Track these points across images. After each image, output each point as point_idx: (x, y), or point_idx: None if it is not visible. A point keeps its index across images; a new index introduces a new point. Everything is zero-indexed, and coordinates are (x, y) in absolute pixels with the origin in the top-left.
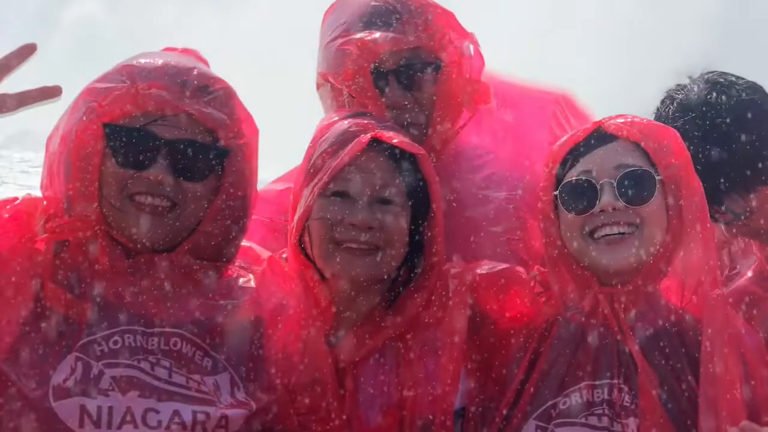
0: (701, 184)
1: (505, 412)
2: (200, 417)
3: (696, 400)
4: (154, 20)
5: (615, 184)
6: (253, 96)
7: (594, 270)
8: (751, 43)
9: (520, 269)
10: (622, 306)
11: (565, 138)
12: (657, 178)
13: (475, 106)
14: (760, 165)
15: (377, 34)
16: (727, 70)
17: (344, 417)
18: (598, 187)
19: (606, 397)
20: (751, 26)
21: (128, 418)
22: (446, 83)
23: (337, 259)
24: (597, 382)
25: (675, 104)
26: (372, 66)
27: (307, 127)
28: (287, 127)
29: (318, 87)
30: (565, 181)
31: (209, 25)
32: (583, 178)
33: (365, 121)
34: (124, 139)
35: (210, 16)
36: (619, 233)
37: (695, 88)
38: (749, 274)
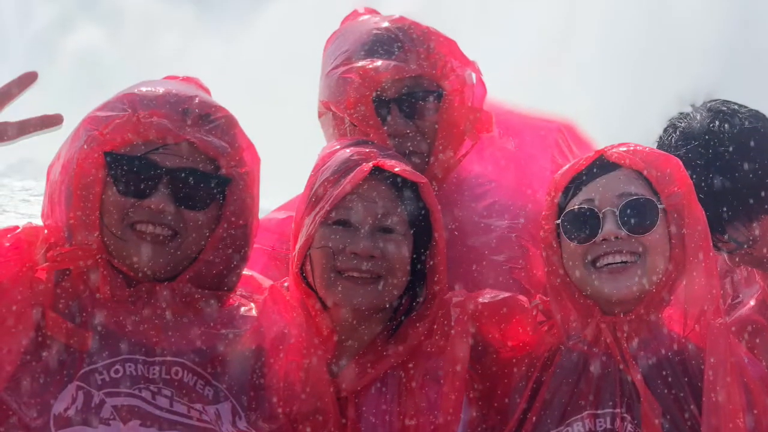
0: (704, 212)
1: None
2: None
3: (699, 430)
4: (155, 48)
5: (617, 213)
6: (254, 124)
7: (596, 299)
8: (754, 71)
9: (523, 298)
10: (625, 335)
11: (567, 166)
12: (660, 206)
13: (477, 135)
14: (763, 193)
15: (379, 63)
16: (731, 98)
17: None
18: (601, 215)
19: (608, 426)
20: (755, 54)
21: None
22: (448, 111)
23: (339, 288)
24: (599, 412)
25: (678, 132)
26: (374, 94)
27: (309, 155)
28: (289, 155)
29: (320, 115)
30: (567, 209)
31: (211, 53)
32: (586, 207)
33: (367, 150)
34: (125, 167)
35: (212, 44)
36: (622, 262)
37: (698, 117)
38: (752, 303)
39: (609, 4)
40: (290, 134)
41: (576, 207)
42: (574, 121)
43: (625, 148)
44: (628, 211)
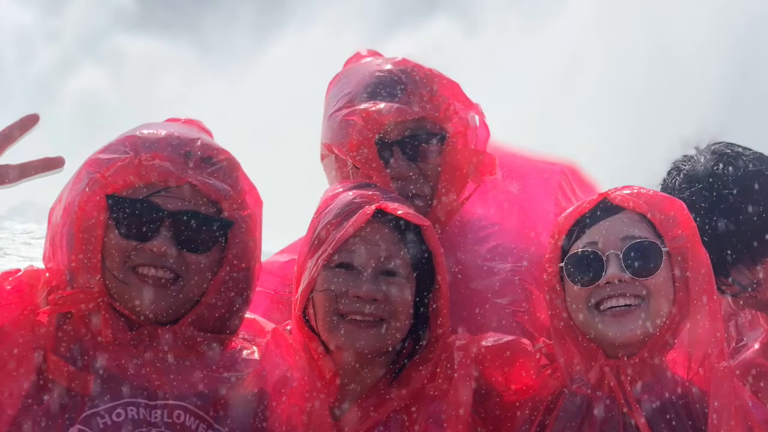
0: (708, 255)
1: None
2: None
3: None
4: (156, 90)
5: (621, 256)
6: (256, 167)
7: (600, 342)
8: (758, 113)
9: (526, 341)
10: (629, 378)
11: (570, 209)
12: (663, 249)
13: (480, 177)
14: (767, 236)
15: (382, 105)
16: (735, 140)
17: None
18: (604, 258)
19: None
20: (759, 96)
21: None
22: (451, 154)
23: (342, 331)
24: None
25: (681, 175)
26: (377, 137)
27: (311, 198)
28: (291, 198)
29: (322, 158)
30: (570, 252)
31: (212, 95)
32: (589, 250)
33: (370, 192)
34: (127, 210)
35: (213, 86)
36: (626, 305)
37: (702, 159)
38: (756, 346)
39: (612, 47)
40: (292, 177)
41: (579, 250)
42: (577, 164)
43: (628, 191)
44: (632, 254)
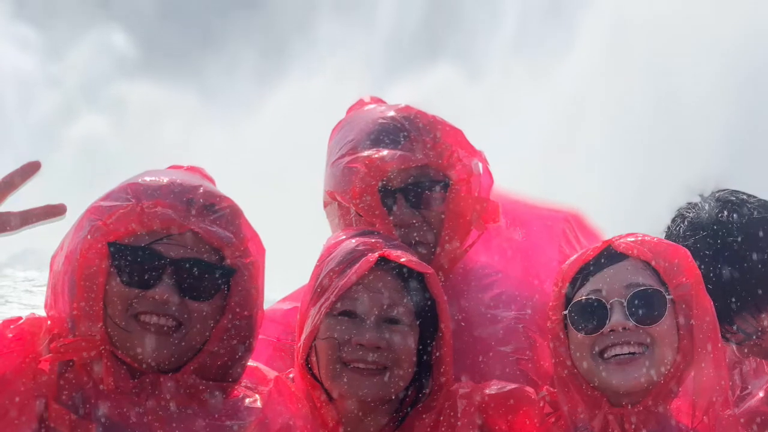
0: (712, 303)
1: None
2: None
3: None
4: (159, 137)
5: (625, 304)
6: (259, 214)
7: (604, 390)
8: (763, 160)
9: (530, 389)
10: (633, 427)
11: (574, 257)
12: (668, 297)
13: (483, 225)
14: None
15: (385, 152)
16: (739, 187)
17: None
18: (608, 306)
19: None
20: (764, 144)
21: None
22: (455, 201)
23: (345, 380)
24: None
25: (686, 223)
26: (380, 184)
27: (314, 245)
28: (294, 245)
29: (325, 205)
30: (574, 300)
31: (215, 141)
32: (593, 298)
33: (373, 240)
34: (129, 258)
35: (216, 132)
36: (630, 353)
37: (706, 207)
38: (761, 394)
39: (616, 94)
40: (295, 224)
41: (583, 298)
42: (581, 211)
43: (632, 239)
44: (636, 301)
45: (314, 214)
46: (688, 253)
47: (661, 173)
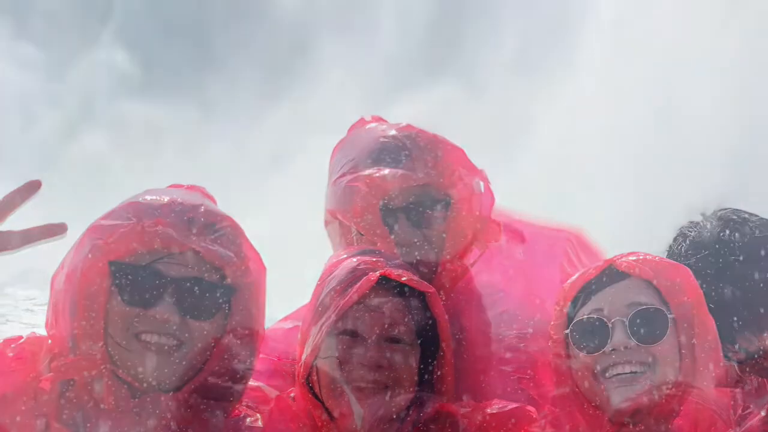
0: (714, 322)
1: None
2: None
3: None
4: (159, 155)
5: (627, 323)
6: (260, 233)
7: (606, 409)
8: (765, 179)
9: (531, 409)
10: None
11: (576, 276)
12: (669, 316)
13: (485, 244)
14: None
15: (386, 171)
16: (741, 206)
17: None
18: (610, 325)
19: None
20: (766, 162)
21: None
22: (456, 221)
23: (346, 399)
24: None
25: (688, 241)
26: (381, 203)
27: (315, 264)
28: (295, 264)
29: (326, 224)
30: (576, 319)
31: (215, 158)
32: (595, 317)
33: (374, 259)
34: (130, 277)
35: (216, 149)
36: (631, 372)
37: (708, 226)
38: (762, 413)
39: (619, 113)
40: (296, 243)
41: (585, 317)
42: (582, 230)
43: (634, 258)
44: (638, 320)
45: (315, 233)
46: (690, 272)
47: (663, 192)
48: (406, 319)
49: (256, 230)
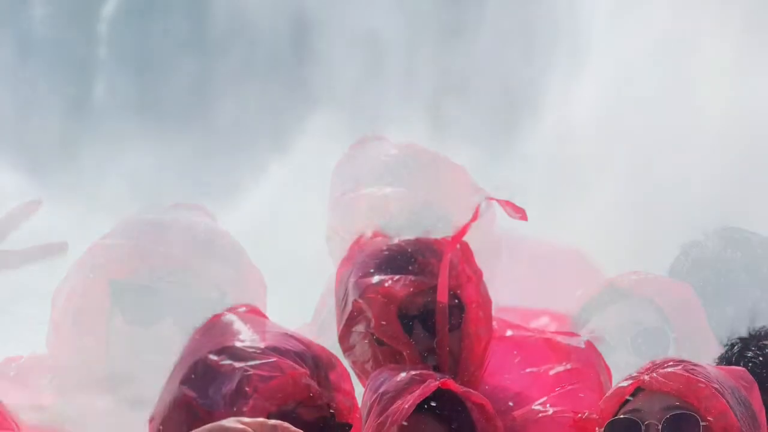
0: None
1: None
2: None
3: None
4: (161, 173)
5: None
6: (260, 250)
7: None
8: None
9: None
10: None
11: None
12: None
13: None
14: None
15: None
16: (743, 225)
17: None
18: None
19: None
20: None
21: None
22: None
23: None
24: None
25: (690, 260)
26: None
27: (316, 281)
28: (296, 280)
29: (328, 239)
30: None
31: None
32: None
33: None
34: (130, 295)
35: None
36: None
37: (710, 244)
38: None
39: (619, 127)
40: (297, 259)
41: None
42: (581, 249)
43: (635, 277)
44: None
45: (316, 248)
46: (691, 288)
47: (665, 211)
48: None
49: (254, 248)
